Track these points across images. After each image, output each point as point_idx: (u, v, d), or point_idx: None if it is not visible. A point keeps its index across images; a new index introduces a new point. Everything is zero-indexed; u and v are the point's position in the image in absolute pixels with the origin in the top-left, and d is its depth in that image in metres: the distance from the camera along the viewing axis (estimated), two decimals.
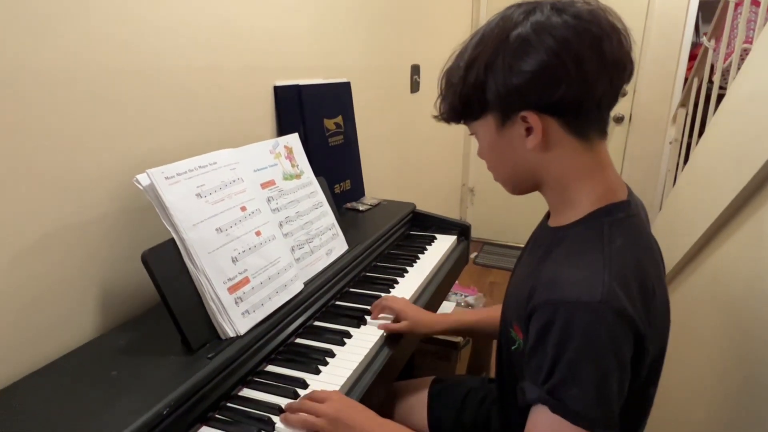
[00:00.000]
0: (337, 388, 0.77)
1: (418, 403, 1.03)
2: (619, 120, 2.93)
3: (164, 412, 0.63)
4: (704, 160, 1.36)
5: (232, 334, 0.78)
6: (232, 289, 0.79)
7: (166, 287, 0.73)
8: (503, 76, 0.61)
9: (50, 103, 0.74)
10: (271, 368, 0.83)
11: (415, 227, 1.46)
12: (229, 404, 0.73)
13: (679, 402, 1.21)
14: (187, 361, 0.72)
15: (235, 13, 1.09)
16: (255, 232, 0.87)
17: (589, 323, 0.55)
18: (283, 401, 0.73)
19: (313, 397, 0.72)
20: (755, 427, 0.86)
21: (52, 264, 0.77)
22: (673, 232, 1.42)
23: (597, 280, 0.56)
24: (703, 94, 1.93)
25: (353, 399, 0.76)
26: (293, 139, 1.09)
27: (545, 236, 0.72)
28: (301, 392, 0.76)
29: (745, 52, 1.40)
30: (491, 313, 0.97)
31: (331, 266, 1.04)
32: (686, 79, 2.46)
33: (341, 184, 1.44)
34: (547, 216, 0.75)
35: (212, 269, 0.77)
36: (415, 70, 2.18)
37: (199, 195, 0.80)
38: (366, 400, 0.77)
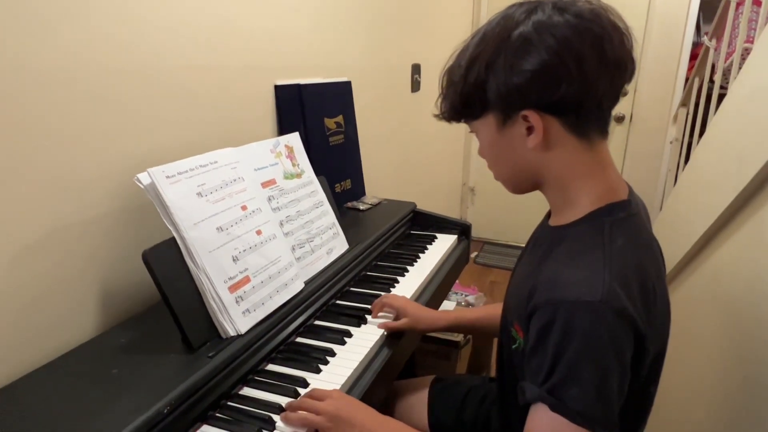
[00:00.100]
0: (338, 387, 0.77)
1: (418, 402, 1.03)
2: (619, 119, 2.92)
3: (165, 411, 0.63)
4: (705, 159, 1.36)
5: (232, 333, 0.78)
6: (232, 288, 0.79)
7: (167, 286, 0.73)
8: (504, 75, 0.61)
9: (50, 103, 0.74)
10: (271, 367, 0.83)
11: (416, 226, 1.46)
12: (229, 403, 0.73)
13: (679, 402, 1.21)
14: (188, 360, 0.72)
15: (236, 12, 1.09)
16: (255, 231, 0.87)
17: (590, 323, 0.55)
18: (283, 400, 0.73)
19: (314, 395, 0.72)
20: (755, 427, 0.86)
21: (52, 263, 0.77)
22: (673, 231, 1.41)
23: (597, 280, 0.56)
24: (704, 93, 1.93)
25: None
26: (294, 138, 1.09)
27: (546, 236, 0.72)
28: (302, 391, 0.76)
29: (746, 52, 1.40)
30: (492, 311, 0.97)
31: (332, 265, 1.04)
32: (687, 79, 2.46)
33: (342, 183, 1.44)
34: (548, 215, 0.75)
35: (213, 268, 0.77)
36: (416, 69, 2.18)
37: (199, 194, 0.80)
38: (366, 399, 0.77)
